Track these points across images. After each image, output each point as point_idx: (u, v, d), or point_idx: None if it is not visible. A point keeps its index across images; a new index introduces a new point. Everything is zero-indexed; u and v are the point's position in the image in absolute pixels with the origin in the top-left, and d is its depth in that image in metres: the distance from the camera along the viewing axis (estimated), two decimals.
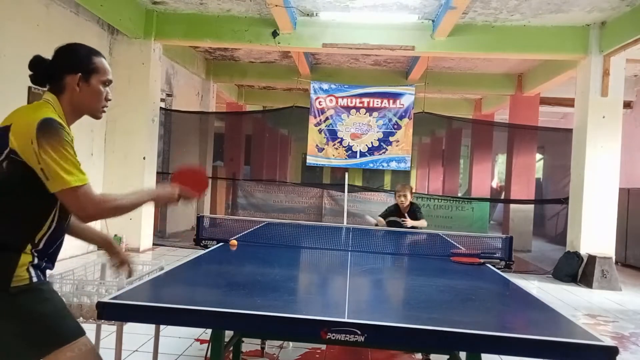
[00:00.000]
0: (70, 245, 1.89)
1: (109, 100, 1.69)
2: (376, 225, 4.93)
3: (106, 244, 1.87)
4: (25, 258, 1.46)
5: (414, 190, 5.20)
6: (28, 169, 1.43)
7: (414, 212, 4.94)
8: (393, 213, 4.95)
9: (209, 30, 6.85)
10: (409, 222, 4.73)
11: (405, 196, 4.90)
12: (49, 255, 1.55)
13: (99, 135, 6.70)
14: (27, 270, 1.45)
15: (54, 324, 1.46)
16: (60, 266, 1.77)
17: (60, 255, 1.64)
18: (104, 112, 1.69)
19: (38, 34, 5.19)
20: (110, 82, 1.68)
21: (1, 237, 1.45)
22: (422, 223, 4.84)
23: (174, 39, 6.97)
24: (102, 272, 2.28)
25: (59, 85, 1.59)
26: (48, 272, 1.59)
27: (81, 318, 1.96)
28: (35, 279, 1.46)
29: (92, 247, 6.42)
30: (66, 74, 1.58)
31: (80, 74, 1.59)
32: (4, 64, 4.76)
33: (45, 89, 1.61)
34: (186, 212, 9.31)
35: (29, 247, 1.48)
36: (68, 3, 5.72)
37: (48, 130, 1.43)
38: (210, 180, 10.07)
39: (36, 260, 1.48)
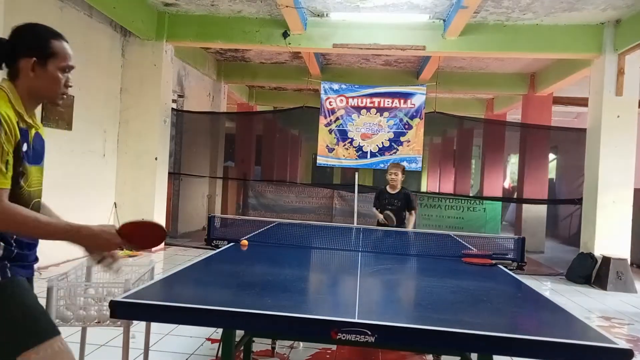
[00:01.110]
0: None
1: (69, 86, 1.57)
2: (378, 223, 4.82)
3: None
4: None
5: (424, 190, 5.14)
6: None
7: (406, 199, 4.76)
8: (382, 200, 4.79)
9: (220, 31, 6.89)
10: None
11: (396, 174, 4.75)
12: (22, 244, 1.45)
13: (112, 136, 6.78)
14: None
15: (17, 326, 1.37)
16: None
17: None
18: (63, 98, 1.57)
19: None
20: (70, 68, 1.55)
21: None
22: (411, 223, 4.74)
23: (185, 40, 7.03)
24: (87, 274, 2.26)
25: (13, 69, 1.48)
26: (35, 266, 1.50)
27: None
28: None
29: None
30: (20, 57, 1.47)
31: (35, 58, 1.47)
32: None
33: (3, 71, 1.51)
34: (197, 212, 9.37)
35: None
36: (81, 6, 5.80)
37: None
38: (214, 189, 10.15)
39: (1, 252, 1.39)
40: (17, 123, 1.43)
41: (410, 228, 4.72)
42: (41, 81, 1.49)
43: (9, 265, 1.42)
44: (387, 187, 4.86)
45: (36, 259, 1.56)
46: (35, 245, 1.54)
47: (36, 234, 1.44)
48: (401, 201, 4.75)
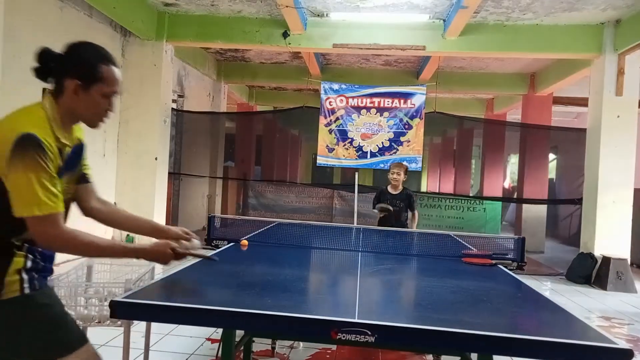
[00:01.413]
0: None
1: (111, 112, 1.55)
2: (380, 221, 4.73)
3: (156, 231, 1.80)
4: (18, 262, 1.38)
5: (424, 190, 5.11)
6: None
7: (408, 199, 4.66)
8: (384, 200, 4.66)
9: (220, 31, 6.89)
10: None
11: (398, 173, 4.64)
12: (45, 256, 1.48)
13: (112, 137, 6.78)
14: (20, 278, 1.37)
15: (48, 337, 1.39)
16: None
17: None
18: (103, 122, 1.56)
19: (52, 37, 5.26)
20: (115, 93, 1.52)
21: None
22: (414, 223, 4.67)
23: (185, 40, 7.03)
24: (87, 274, 2.26)
25: (58, 86, 1.47)
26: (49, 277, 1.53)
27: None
28: (27, 290, 1.38)
29: None
30: (66, 76, 1.46)
31: (79, 81, 1.45)
32: (19, 67, 4.83)
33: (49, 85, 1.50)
34: (197, 212, 9.37)
35: (21, 249, 1.40)
36: (81, 5, 5.80)
37: (22, 151, 1.32)
38: (221, 181, 10.15)
39: (30, 264, 1.41)
40: (56, 146, 1.43)
41: (414, 227, 4.67)
42: (82, 104, 1.48)
43: (36, 276, 1.44)
44: (389, 187, 4.75)
45: (52, 271, 1.58)
46: (54, 258, 1.56)
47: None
48: (404, 202, 4.64)
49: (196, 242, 1.84)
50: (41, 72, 1.49)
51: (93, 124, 1.55)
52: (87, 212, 1.70)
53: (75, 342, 1.43)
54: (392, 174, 4.72)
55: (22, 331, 1.37)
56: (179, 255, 1.66)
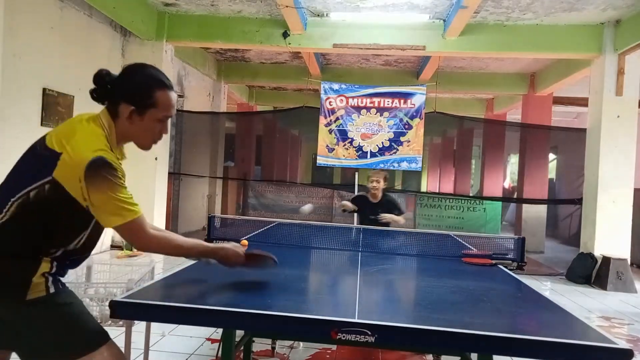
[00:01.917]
0: None
1: (164, 134, 1.59)
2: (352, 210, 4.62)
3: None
4: (44, 267, 1.41)
5: (424, 190, 5.06)
6: (70, 196, 1.40)
7: (388, 205, 4.45)
8: (365, 209, 4.51)
9: (219, 31, 6.89)
10: (387, 216, 4.29)
11: (377, 181, 4.47)
12: (71, 262, 1.53)
13: None
14: (45, 280, 1.41)
15: (73, 334, 1.43)
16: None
17: None
18: (155, 144, 1.61)
19: (52, 37, 5.26)
20: (169, 117, 1.55)
21: (23, 246, 1.40)
22: (400, 219, 4.41)
23: (185, 40, 7.03)
24: (87, 274, 2.27)
25: (113, 109, 1.50)
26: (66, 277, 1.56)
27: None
28: (52, 289, 1.42)
29: (104, 246, 6.50)
30: (121, 100, 1.48)
31: (133, 107, 1.48)
32: (19, 67, 4.83)
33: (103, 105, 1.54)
34: (197, 212, 9.38)
35: (51, 255, 1.43)
36: (81, 5, 5.80)
37: (96, 174, 1.38)
38: (225, 181, 10.14)
39: (55, 269, 1.44)
40: None
41: (399, 219, 4.47)
42: (135, 129, 1.52)
43: (60, 279, 1.49)
44: (369, 196, 4.58)
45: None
46: (79, 263, 1.60)
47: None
48: (384, 210, 4.42)
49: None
50: (98, 95, 1.52)
51: (144, 147, 1.61)
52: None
53: (98, 338, 1.46)
54: (370, 182, 4.52)
55: (49, 329, 1.40)
56: (249, 259, 1.79)
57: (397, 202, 4.67)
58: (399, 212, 4.50)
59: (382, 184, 4.52)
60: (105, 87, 1.50)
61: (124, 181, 1.46)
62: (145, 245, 1.52)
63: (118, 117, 1.50)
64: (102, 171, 1.39)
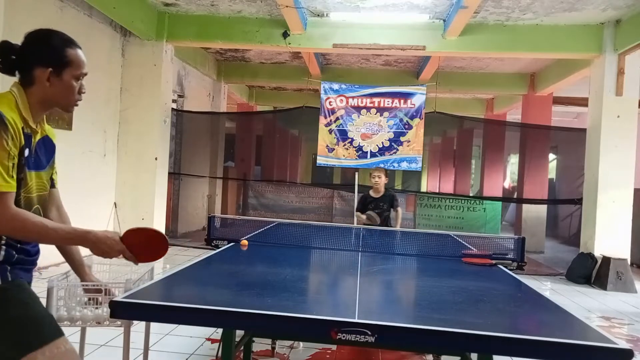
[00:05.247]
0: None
1: (83, 93, 1.58)
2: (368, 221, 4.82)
3: (78, 269, 1.79)
4: None
5: (424, 190, 5.19)
6: None
7: (391, 200, 4.84)
8: (368, 205, 4.84)
9: (220, 31, 6.89)
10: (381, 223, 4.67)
11: (379, 177, 4.85)
12: (18, 249, 1.45)
13: (112, 136, 6.78)
14: None
15: (21, 328, 1.37)
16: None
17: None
18: (77, 105, 1.59)
19: None
20: (84, 75, 1.56)
21: None
22: (398, 220, 4.83)
23: (185, 40, 7.03)
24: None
25: (27, 77, 1.48)
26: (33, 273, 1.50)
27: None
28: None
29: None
30: (35, 66, 1.46)
31: (51, 68, 1.47)
32: None
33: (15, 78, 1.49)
34: (197, 212, 9.37)
35: None
36: (81, 5, 5.80)
37: None
38: (222, 181, 10.14)
39: (2, 255, 1.40)
40: (22, 128, 1.43)
41: (398, 225, 4.83)
42: (56, 90, 1.50)
43: (9, 268, 1.42)
44: (371, 192, 4.94)
45: (35, 264, 1.56)
46: (38, 251, 1.55)
47: (42, 240, 1.46)
48: (387, 204, 4.83)
49: None
50: (5, 67, 1.48)
51: (69, 108, 1.57)
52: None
53: (48, 334, 1.39)
54: (372, 177, 4.91)
55: None
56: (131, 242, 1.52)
57: (396, 197, 5.00)
58: (395, 206, 4.87)
59: (383, 179, 4.88)
60: (9, 58, 1.47)
61: (9, 145, 1.36)
62: (6, 224, 1.36)
63: (34, 84, 1.47)
64: None
